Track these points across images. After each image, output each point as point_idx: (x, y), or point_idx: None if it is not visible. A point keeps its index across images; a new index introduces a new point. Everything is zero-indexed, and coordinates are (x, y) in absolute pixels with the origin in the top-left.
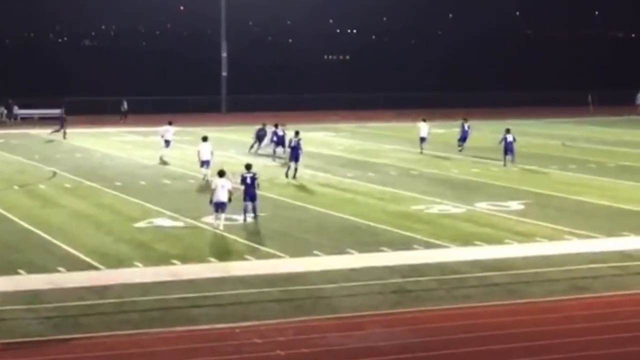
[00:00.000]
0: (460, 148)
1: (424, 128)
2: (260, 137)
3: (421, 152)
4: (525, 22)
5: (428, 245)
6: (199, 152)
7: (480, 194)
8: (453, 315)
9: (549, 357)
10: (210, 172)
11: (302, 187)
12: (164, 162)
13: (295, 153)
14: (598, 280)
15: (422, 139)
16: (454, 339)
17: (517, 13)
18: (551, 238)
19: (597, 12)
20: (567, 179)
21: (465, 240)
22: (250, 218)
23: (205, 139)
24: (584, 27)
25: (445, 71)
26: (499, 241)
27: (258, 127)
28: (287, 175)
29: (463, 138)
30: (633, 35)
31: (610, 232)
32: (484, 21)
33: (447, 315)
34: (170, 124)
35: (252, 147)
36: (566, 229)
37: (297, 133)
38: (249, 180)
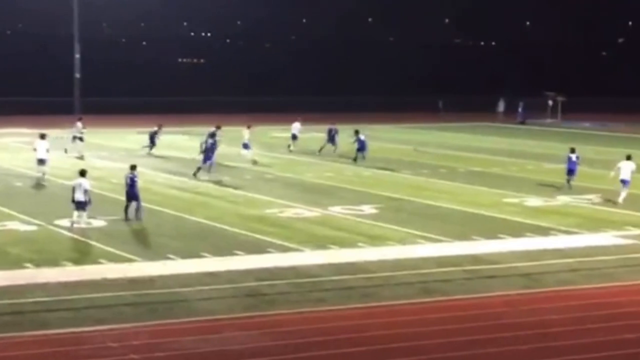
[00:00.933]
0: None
1: (296, 127)
2: (152, 138)
3: (290, 150)
4: (378, 28)
5: (282, 249)
6: (35, 150)
7: (334, 197)
8: (308, 318)
9: None
10: (47, 170)
11: (157, 191)
12: (81, 157)
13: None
14: (449, 283)
15: (294, 136)
16: (308, 342)
17: (370, 19)
18: (403, 241)
19: (447, 20)
20: (419, 184)
21: (320, 243)
22: (132, 218)
23: (42, 136)
24: (436, 33)
25: (300, 75)
26: (352, 245)
27: (154, 129)
28: (195, 175)
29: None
30: (482, 43)
31: (461, 236)
32: (337, 26)
33: (302, 318)
34: (80, 120)
35: (148, 147)
36: (418, 233)
37: (213, 135)
38: (129, 181)
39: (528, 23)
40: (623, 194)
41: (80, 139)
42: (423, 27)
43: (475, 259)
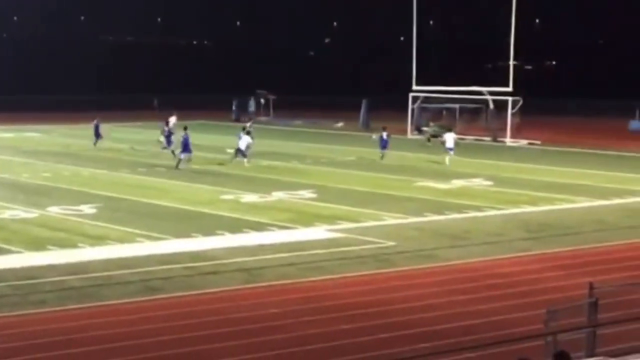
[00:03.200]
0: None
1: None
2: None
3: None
4: (91, 26)
5: (0, 251)
6: None
7: (52, 198)
8: (28, 320)
9: (124, 359)
10: None
11: None
12: None
13: (185, 145)
14: (170, 281)
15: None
16: (29, 344)
17: (82, 17)
18: (123, 241)
19: (159, 19)
20: (137, 182)
21: (39, 245)
22: None
23: None
24: (150, 32)
25: (13, 74)
26: (72, 245)
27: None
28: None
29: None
30: (195, 42)
31: (180, 234)
32: (49, 23)
33: (22, 321)
34: None
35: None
36: (138, 232)
37: (185, 128)
38: None
39: (238, 23)
40: (448, 159)
41: None
42: (136, 25)
43: (195, 255)
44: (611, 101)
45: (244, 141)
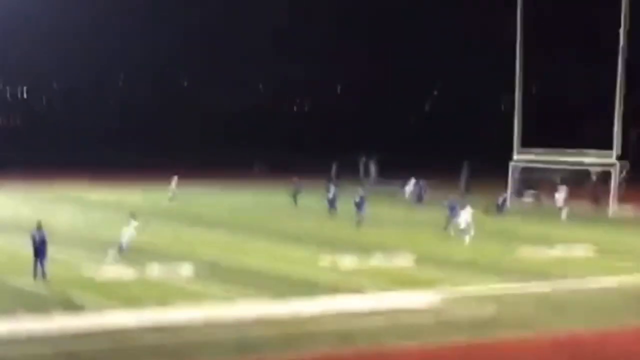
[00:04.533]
0: None
1: None
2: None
3: None
4: (198, 93)
5: (97, 309)
6: None
7: (152, 257)
8: None
9: None
10: None
11: None
12: None
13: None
14: (265, 341)
15: None
16: None
17: (186, 83)
18: (220, 300)
19: (261, 86)
20: (234, 243)
21: (136, 303)
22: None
23: None
24: (248, 98)
25: (115, 134)
26: (169, 303)
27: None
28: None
29: None
30: (295, 107)
31: (277, 295)
32: (155, 85)
33: None
34: None
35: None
36: (235, 291)
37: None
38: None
39: (339, 87)
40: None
41: None
42: (238, 92)
43: (291, 317)
44: None
45: (466, 215)
